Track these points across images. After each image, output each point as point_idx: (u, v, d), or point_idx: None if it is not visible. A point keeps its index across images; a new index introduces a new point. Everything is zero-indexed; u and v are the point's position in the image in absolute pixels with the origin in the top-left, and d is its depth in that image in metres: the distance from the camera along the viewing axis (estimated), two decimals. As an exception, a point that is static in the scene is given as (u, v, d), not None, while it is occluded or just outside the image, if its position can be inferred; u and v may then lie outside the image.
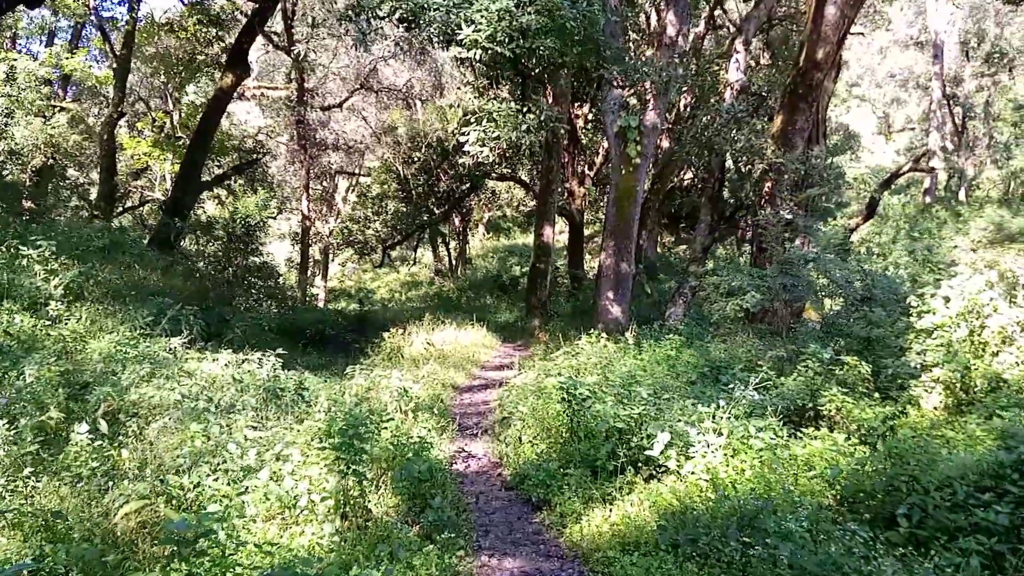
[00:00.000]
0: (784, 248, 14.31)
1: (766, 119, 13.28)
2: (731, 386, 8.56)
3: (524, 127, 11.08)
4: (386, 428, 7.07)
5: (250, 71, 21.84)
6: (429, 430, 8.51)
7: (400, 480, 6.32)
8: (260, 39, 28.45)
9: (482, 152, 11.11)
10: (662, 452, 6.03)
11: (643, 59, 12.76)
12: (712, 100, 12.70)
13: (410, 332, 16.65)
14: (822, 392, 7.55)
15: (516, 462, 7.69)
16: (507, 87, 11.20)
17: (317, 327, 20.03)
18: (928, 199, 30.82)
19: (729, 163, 14.47)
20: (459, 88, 29.17)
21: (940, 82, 28.05)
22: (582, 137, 26.46)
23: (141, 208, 27.34)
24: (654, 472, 6.42)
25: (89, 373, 8.97)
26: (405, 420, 8.29)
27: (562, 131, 21.84)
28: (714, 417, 6.40)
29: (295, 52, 26.90)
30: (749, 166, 12.86)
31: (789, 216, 13.06)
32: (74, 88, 27.44)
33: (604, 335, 11.85)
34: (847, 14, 12.78)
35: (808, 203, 13.73)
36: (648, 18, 21.88)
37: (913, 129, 35.12)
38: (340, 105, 30.33)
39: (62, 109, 23.37)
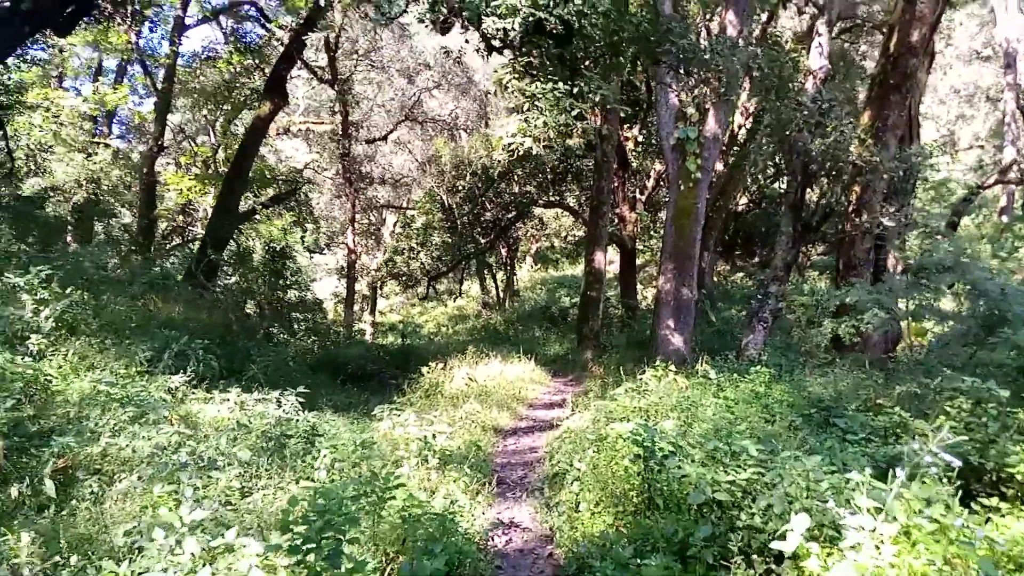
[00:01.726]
0: (876, 263, 11.96)
1: (846, 118, 11.02)
2: (856, 434, 6.29)
3: (575, 112, 9.10)
4: (395, 496, 5.00)
5: (287, 99, 20.48)
6: (460, 491, 6.44)
7: (409, 577, 4.25)
8: (304, 72, 27.41)
9: (524, 144, 9.17)
10: (800, 546, 3.83)
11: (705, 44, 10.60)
12: (790, 91, 10.51)
13: (451, 367, 14.65)
14: (997, 446, 5.25)
15: (572, 538, 5.54)
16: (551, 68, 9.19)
17: (358, 362, 18.27)
18: (1005, 218, 27.73)
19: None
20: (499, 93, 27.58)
21: (1014, 93, 25.22)
22: (632, 160, 24.41)
23: (185, 244, 26.17)
24: (775, 569, 4.22)
25: (56, 419, 7.18)
26: (428, 479, 6.23)
27: (611, 152, 19.89)
28: (869, 488, 4.15)
29: (339, 85, 25.65)
30: (838, 166, 10.61)
31: (891, 223, 10.76)
32: (121, 126, 26.65)
33: (672, 369, 9.64)
34: (947, -11, 10.58)
35: (906, 212, 11.39)
36: (707, 25, 19.90)
37: (982, 147, 32.07)
38: (385, 138, 28.95)
39: (105, 145, 22.35)
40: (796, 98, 10.53)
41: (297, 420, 9.22)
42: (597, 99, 9.26)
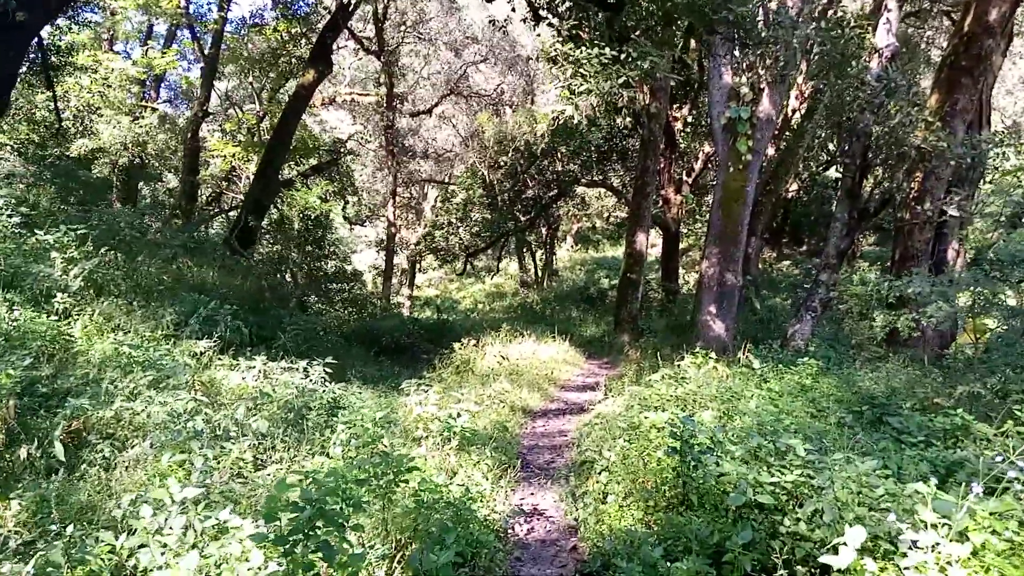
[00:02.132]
0: (935, 255, 11.21)
1: (913, 99, 10.23)
2: (913, 436, 5.75)
3: (620, 79, 8.55)
4: (408, 480, 4.64)
5: (332, 67, 20.16)
6: (483, 475, 6.07)
7: (417, 568, 3.90)
8: (352, 43, 27.12)
9: (565, 113, 8.65)
10: (855, 561, 3.36)
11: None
12: (854, 69, 9.75)
13: (484, 344, 14.31)
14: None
15: (598, 532, 5.13)
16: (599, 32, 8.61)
17: (393, 335, 18.08)
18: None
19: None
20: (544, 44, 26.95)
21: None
22: (680, 141, 23.61)
23: (227, 211, 26.25)
24: (824, 583, 3.75)
25: (75, 380, 7.01)
26: (447, 460, 5.87)
27: (659, 131, 19.19)
28: (934, 501, 3.64)
29: (385, 56, 25.30)
30: (901, 151, 9.86)
31: (956, 214, 10.01)
32: (169, 91, 26.74)
33: (712, 357, 9.12)
34: (1033, -39, 9.68)
35: (972, 201, 10.59)
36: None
37: (1050, 140, 30.36)
38: (429, 111, 28.59)
39: (152, 109, 22.39)
40: (859, 77, 9.78)
41: (322, 392, 9.00)
42: (646, 66, 8.67)
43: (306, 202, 14.78)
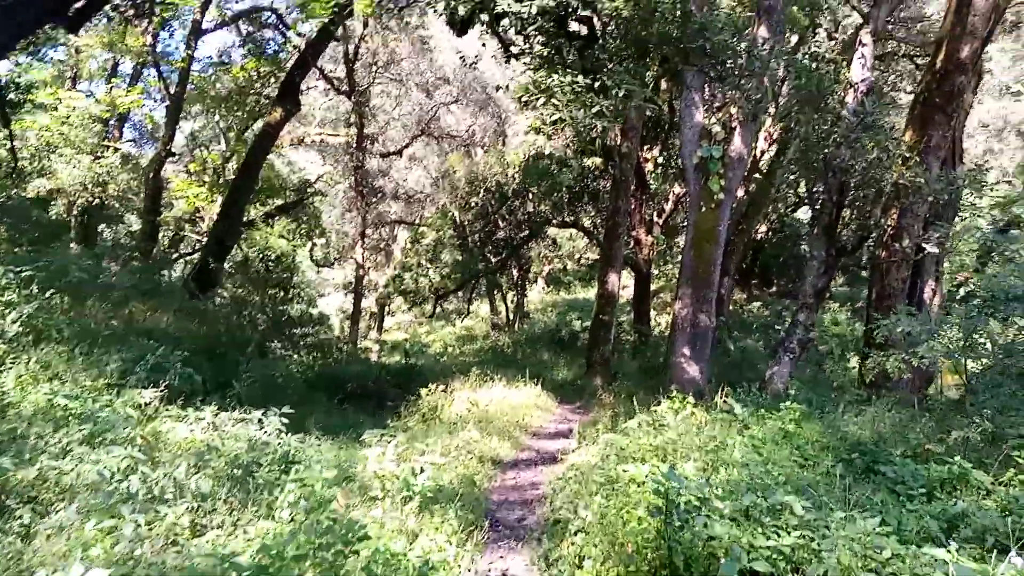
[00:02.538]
0: (910, 293, 11.00)
1: (891, 133, 10.13)
2: (908, 486, 5.34)
3: (594, 109, 8.23)
4: (360, 547, 4.09)
5: (300, 105, 19.84)
6: (447, 537, 5.51)
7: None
8: (322, 83, 26.89)
9: (536, 143, 8.30)
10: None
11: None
12: (829, 104, 9.60)
13: (453, 390, 13.76)
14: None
15: (574, 602, 4.61)
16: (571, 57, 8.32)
17: (359, 381, 17.40)
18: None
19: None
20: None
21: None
22: (651, 182, 23.57)
23: (193, 254, 25.50)
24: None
25: (1, 435, 6.35)
26: (406, 522, 5.30)
27: (630, 171, 19.06)
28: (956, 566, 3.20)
29: (355, 96, 25.06)
30: (880, 186, 9.68)
31: (935, 250, 9.82)
32: (134, 131, 26.16)
33: (691, 401, 8.70)
34: (1000, 2, 9.71)
35: (946, 239, 10.41)
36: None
37: (1009, 182, 31.01)
38: (400, 152, 28.32)
39: (116, 149, 21.78)
40: (835, 112, 9.65)
41: (276, 445, 8.37)
42: (621, 94, 8.39)
43: (267, 242, 14.18)
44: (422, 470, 6.39)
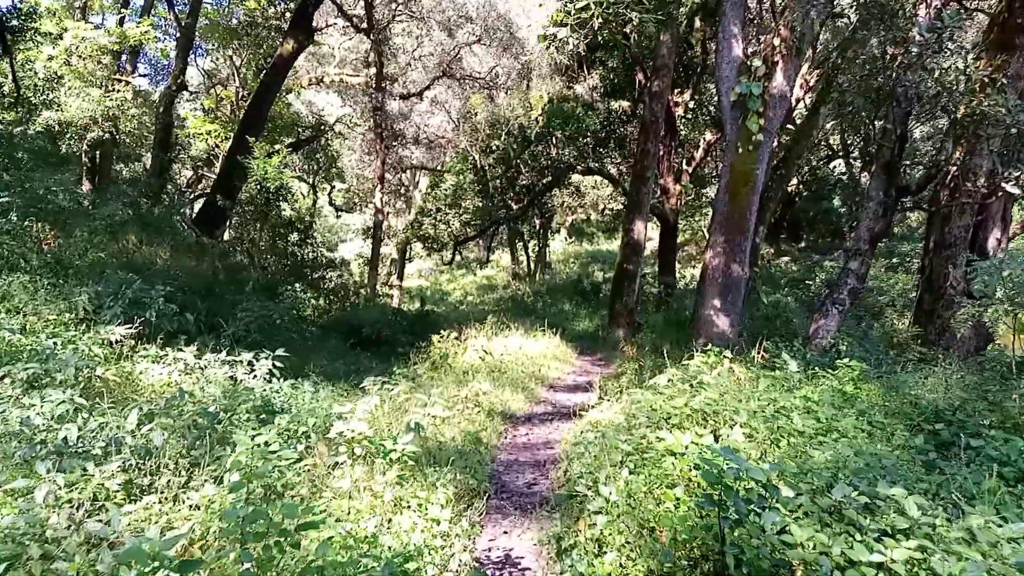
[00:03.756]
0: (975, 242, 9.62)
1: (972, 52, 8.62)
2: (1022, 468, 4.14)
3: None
4: (309, 533, 2.99)
5: (313, 36, 18.46)
6: (441, 505, 4.41)
7: None
8: (340, 22, 25.36)
9: (559, 36, 6.96)
10: None
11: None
12: (894, 20, 8.06)
13: (467, 337, 12.67)
14: None
15: (591, 601, 3.50)
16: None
17: (374, 326, 16.42)
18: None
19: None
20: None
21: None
22: (681, 128, 21.95)
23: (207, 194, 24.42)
24: None
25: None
26: (381, 495, 4.19)
27: (660, 112, 17.51)
28: None
29: (375, 34, 23.53)
30: (954, 116, 8.22)
31: (1015, 191, 8.40)
32: (150, 67, 24.91)
33: (727, 355, 7.48)
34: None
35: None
36: None
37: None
38: (420, 94, 26.80)
39: (126, 83, 20.59)
40: (905, 29, 8.15)
41: (263, 390, 7.35)
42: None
43: (264, 172, 12.96)
44: (395, 439, 5.30)
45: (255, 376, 7.83)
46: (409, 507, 4.20)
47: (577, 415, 7.89)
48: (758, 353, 8.96)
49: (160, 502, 4.21)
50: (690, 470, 3.91)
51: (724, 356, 7.44)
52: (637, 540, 3.77)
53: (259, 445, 4.03)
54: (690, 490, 3.78)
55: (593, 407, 7.77)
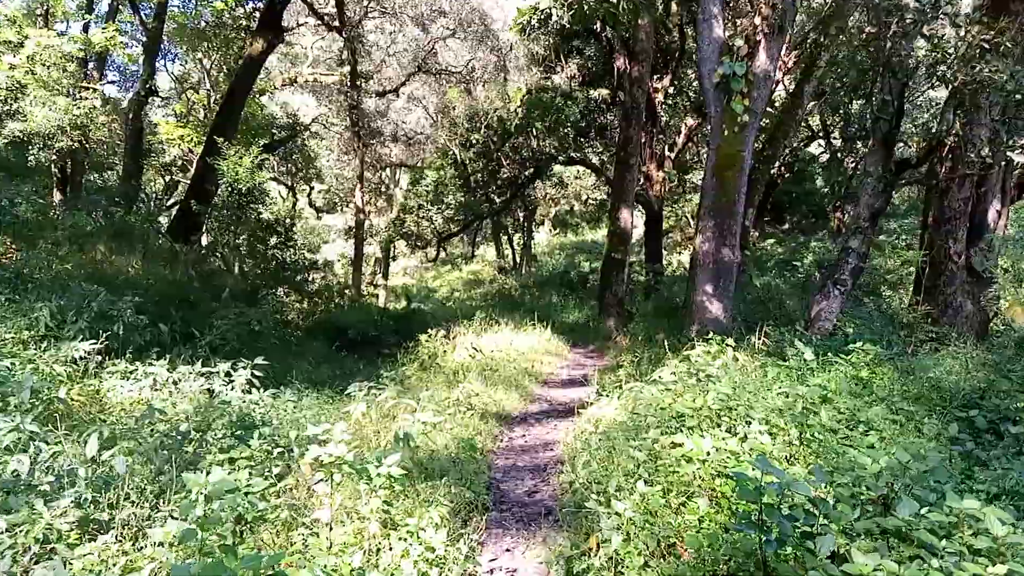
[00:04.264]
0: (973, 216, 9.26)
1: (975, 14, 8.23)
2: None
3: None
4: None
5: (283, 35, 17.84)
6: (435, 526, 3.93)
7: None
8: (312, 21, 24.67)
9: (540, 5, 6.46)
10: None
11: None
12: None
13: (455, 335, 12.19)
14: None
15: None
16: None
17: (359, 328, 15.90)
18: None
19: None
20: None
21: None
22: (661, 114, 21.51)
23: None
24: None
25: None
26: (364, 526, 3.70)
27: (641, 97, 17.07)
28: None
29: (347, 31, 22.87)
30: (954, 85, 7.82)
31: (1022, 159, 8.04)
32: (120, 75, 24.12)
33: (730, 344, 7.05)
34: None
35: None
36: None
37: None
38: (396, 90, 26.18)
39: (93, 90, 19.82)
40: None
41: (241, 403, 6.84)
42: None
43: (236, 172, 12.37)
44: (403, 439, 4.82)
45: (232, 388, 7.31)
46: (400, 532, 3.72)
47: (576, 412, 7.43)
48: (758, 339, 8.56)
49: (119, 540, 3.70)
50: (713, 478, 3.46)
51: (727, 344, 7.01)
52: (657, 561, 3.31)
53: (227, 475, 3.52)
54: (714, 501, 3.33)
55: (591, 403, 7.31)
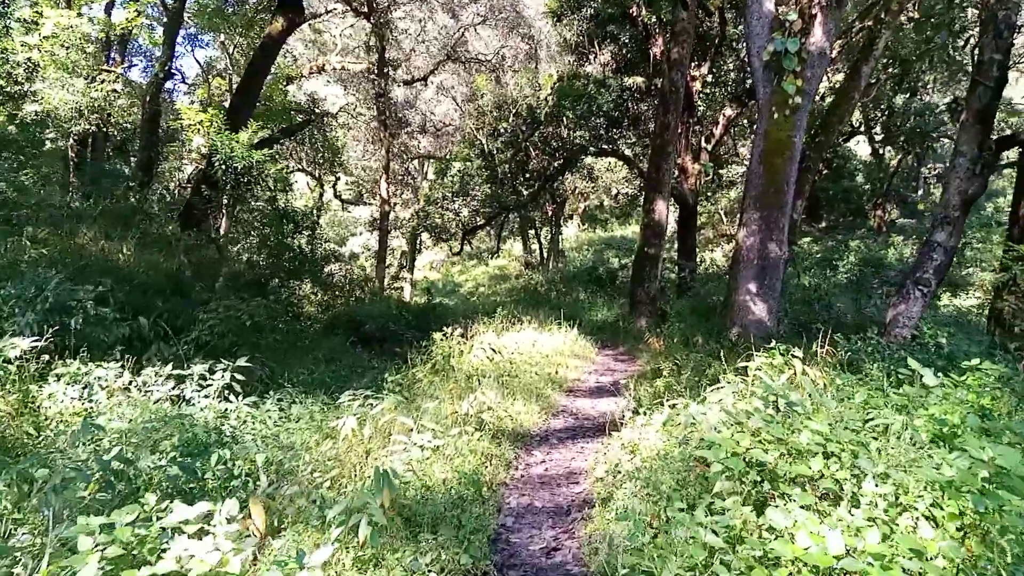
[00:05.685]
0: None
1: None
2: None
3: None
4: None
5: (303, 13, 16.66)
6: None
7: None
8: (340, 7, 23.52)
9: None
10: None
11: None
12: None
13: (474, 334, 10.87)
14: None
15: None
16: None
17: (378, 322, 14.72)
18: None
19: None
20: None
21: None
22: (699, 104, 19.93)
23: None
24: None
25: None
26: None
27: (680, 81, 15.55)
28: None
29: (375, 17, 21.65)
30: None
31: None
32: (144, 59, 23.18)
33: (796, 354, 5.62)
34: None
35: None
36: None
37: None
38: (425, 79, 24.91)
39: (113, 73, 18.89)
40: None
41: (211, 414, 5.61)
42: None
43: (231, 148, 11.14)
44: (383, 478, 3.52)
45: (205, 395, 6.08)
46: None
47: (607, 432, 6.06)
48: (821, 347, 7.10)
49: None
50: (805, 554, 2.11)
51: (793, 355, 5.58)
52: None
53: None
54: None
55: (626, 422, 5.93)
